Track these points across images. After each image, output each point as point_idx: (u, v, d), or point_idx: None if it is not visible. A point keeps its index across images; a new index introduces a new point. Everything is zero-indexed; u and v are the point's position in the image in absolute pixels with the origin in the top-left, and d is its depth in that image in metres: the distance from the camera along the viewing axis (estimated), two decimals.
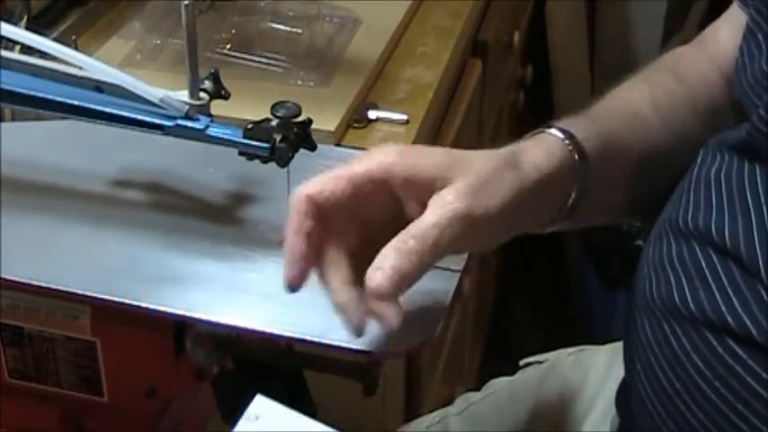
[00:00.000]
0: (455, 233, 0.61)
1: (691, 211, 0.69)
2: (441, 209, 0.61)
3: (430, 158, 0.63)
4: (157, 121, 0.71)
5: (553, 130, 0.70)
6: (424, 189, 0.62)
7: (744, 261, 0.64)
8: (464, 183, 0.62)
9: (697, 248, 0.67)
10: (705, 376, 0.64)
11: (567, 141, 0.69)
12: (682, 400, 0.66)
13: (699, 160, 0.72)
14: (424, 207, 0.62)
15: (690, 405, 0.65)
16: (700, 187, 0.70)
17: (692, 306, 0.66)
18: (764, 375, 0.62)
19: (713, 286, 0.65)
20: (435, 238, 0.60)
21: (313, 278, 0.63)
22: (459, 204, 0.61)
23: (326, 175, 0.62)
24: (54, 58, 0.70)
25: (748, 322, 0.62)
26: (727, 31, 0.81)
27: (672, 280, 0.68)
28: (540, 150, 0.68)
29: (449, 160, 0.63)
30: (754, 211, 0.65)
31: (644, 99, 0.78)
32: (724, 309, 0.64)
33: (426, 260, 0.60)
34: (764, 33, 0.69)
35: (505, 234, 0.66)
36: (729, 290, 0.64)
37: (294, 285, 0.62)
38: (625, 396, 0.76)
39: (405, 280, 0.59)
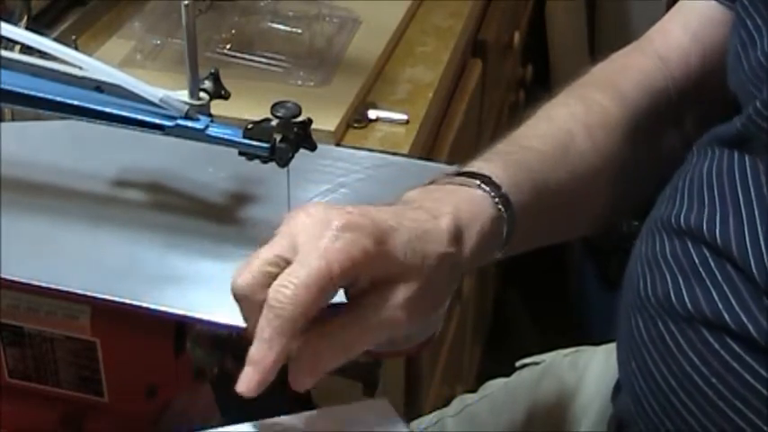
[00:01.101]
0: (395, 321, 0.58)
1: (684, 210, 0.69)
2: (384, 310, 0.58)
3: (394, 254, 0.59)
4: (157, 121, 0.71)
5: (478, 185, 0.66)
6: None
7: (736, 261, 0.64)
8: (413, 289, 0.59)
9: (690, 246, 0.67)
10: (702, 373, 0.64)
11: (494, 197, 0.66)
12: (678, 397, 0.66)
13: (694, 159, 0.72)
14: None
15: (686, 403, 0.65)
16: (693, 185, 0.70)
17: (687, 304, 0.66)
18: (763, 373, 0.62)
19: (709, 284, 0.65)
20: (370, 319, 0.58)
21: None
22: (402, 315, 0.58)
23: (303, 285, 0.56)
24: (54, 58, 0.70)
25: (746, 320, 0.63)
26: (682, 27, 0.80)
27: (667, 277, 0.68)
28: (476, 227, 0.64)
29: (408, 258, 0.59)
30: (745, 209, 0.64)
31: (577, 123, 0.74)
32: (721, 307, 0.64)
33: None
34: (756, 24, 0.67)
35: None
36: (726, 288, 0.64)
37: (252, 393, 0.56)
38: (621, 395, 0.76)
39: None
